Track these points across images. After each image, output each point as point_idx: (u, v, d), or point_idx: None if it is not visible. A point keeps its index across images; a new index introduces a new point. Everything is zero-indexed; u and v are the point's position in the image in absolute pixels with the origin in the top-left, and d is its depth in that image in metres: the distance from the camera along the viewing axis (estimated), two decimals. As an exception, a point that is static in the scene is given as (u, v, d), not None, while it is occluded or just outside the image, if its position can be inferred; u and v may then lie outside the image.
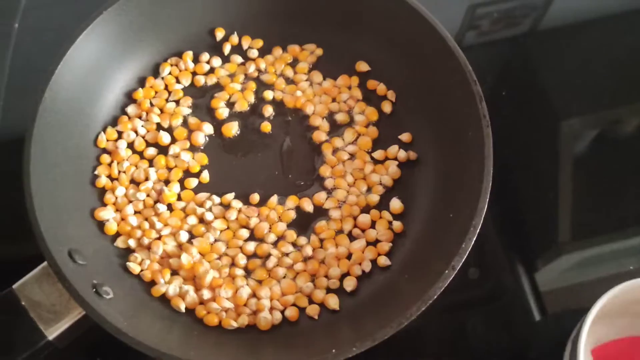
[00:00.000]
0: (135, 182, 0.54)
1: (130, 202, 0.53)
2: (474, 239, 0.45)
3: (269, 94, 0.58)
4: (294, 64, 0.59)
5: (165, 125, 0.56)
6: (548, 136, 0.62)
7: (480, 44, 0.68)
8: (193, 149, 0.56)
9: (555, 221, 0.58)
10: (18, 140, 0.60)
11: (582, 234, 0.58)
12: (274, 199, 0.53)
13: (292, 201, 0.53)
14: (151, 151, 0.55)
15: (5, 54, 0.66)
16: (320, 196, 0.54)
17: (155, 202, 0.53)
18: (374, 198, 0.54)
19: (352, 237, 0.52)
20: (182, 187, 0.54)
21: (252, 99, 0.58)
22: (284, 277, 0.51)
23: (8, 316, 0.44)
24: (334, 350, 0.42)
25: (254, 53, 0.59)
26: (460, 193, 0.49)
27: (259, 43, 0.60)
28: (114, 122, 0.56)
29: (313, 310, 0.49)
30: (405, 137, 0.56)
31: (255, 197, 0.53)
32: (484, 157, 0.48)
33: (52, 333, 0.44)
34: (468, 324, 0.55)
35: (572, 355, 0.45)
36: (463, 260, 0.45)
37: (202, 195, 0.53)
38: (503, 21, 0.68)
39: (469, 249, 0.45)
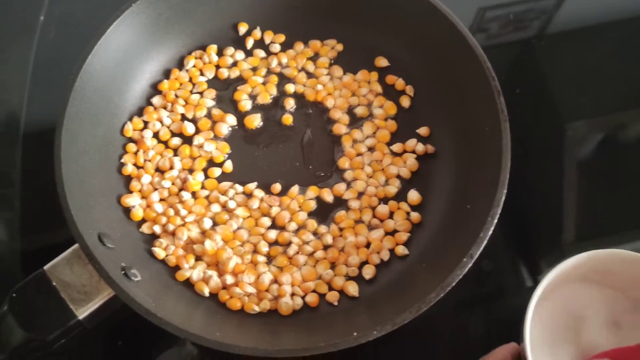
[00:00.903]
0: (160, 171, 0.55)
1: (156, 189, 0.54)
2: (492, 228, 0.47)
3: (290, 87, 0.59)
4: (314, 58, 0.61)
5: (190, 116, 0.58)
6: (554, 139, 0.63)
7: (488, 47, 0.68)
8: (216, 139, 0.57)
9: (560, 223, 0.59)
10: (44, 130, 0.63)
11: (586, 235, 0.59)
12: (295, 189, 0.55)
13: (312, 191, 0.55)
14: (176, 141, 0.57)
15: (30, 45, 0.67)
16: (340, 187, 0.55)
17: (180, 190, 0.54)
18: (392, 190, 0.55)
19: (370, 227, 0.54)
20: (206, 176, 0.55)
21: (274, 91, 0.59)
22: (305, 264, 0.52)
23: (40, 296, 0.45)
24: (355, 334, 0.44)
25: (276, 47, 0.61)
26: (478, 185, 0.50)
27: (281, 38, 0.61)
28: (140, 112, 0.57)
29: (333, 297, 0.51)
30: (423, 131, 0.57)
31: (277, 187, 0.55)
32: (502, 150, 0.49)
33: (82, 313, 0.45)
34: (470, 322, 0.56)
35: (522, 332, 0.46)
36: (481, 249, 0.46)
37: (225, 184, 0.55)
38: (512, 24, 0.70)
39: (487, 239, 0.46)
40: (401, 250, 0.52)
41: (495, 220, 0.47)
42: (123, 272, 0.47)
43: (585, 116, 0.64)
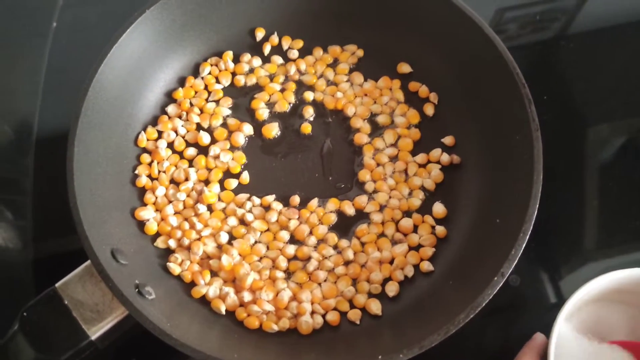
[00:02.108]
0: (175, 182, 0.54)
1: (170, 202, 0.52)
2: (524, 245, 0.44)
3: (309, 95, 0.57)
4: (334, 64, 0.59)
5: (205, 125, 0.56)
6: (575, 142, 0.61)
7: (507, 48, 0.67)
8: (233, 149, 0.55)
9: (582, 228, 0.57)
10: (55, 139, 0.61)
11: (608, 241, 0.57)
12: (315, 201, 0.53)
13: (332, 204, 0.53)
14: (191, 151, 0.55)
15: (43, 52, 0.66)
16: (362, 199, 0.53)
17: (195, 202, 0.52)
18: (416, 202, 0.53)
19: (394, 242, 0.51)
20: (222, 188, 0.54)
21: (292, 99, 0.57)
22: (325, 280, 0.50)
23: (51, 315, 0.44)
24: (380, 357, 0.41)
25: (294, 54, 0.59)
26: (508, 198, 0.48)
27: (299, 43, 0.59)
28: (154, 121, 0.56)
29: (355, 315, 0.48)
30: (448, 140, 0.55)
31: (296, 199, 0.53)
32: (534, 161, 0.47)
33: (95, 333, 0.43)
34: (488, 330, 0.54)
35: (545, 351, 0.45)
36: (512, 267, 0.44)
37: (242, 197, 0.53)
38: (531, 25, 0.67)
39: (519, 256, 0.44)
40: (426, 266, 0.50)
41: (527, 237, 0.44)
42: (137, 289, 0.45)
43: (607, 119, 0.62)
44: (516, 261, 0.44)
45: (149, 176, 0.53)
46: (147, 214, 0.51)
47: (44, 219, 0.57)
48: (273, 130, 0.56)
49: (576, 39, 0.67)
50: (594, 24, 0.68)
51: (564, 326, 0.46)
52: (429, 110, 0.56)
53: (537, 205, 0.45)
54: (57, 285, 0.44)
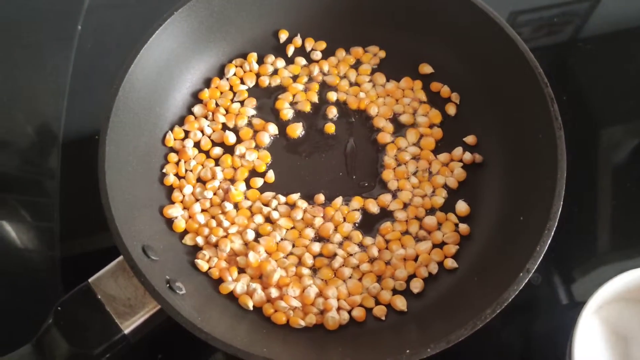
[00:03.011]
0: (201, 181, 0.55)
1: (197, 200, 0.53)
2: (549, 242, 0.45)
3: (332, 95, 0.58)
4: (356, 65, 0.59)
5: (231, 125, 0.57)
6: (588, 144, 0.61)
7: None
8: (258, 148, 0.56)
9: (595, 231, 0.57)
10: (81, 141, 0.62)
11: (621, 244, 0.57)
12: (339, 200, 0.53)
13: (357, 202, 0.53)
14: (217, 150, 0.56)
15: (68, 55, 0.67)
16: (385, 198, 0.53)
17: (222, 200, 0.53)
18: (439, 200, 0.53)
19: (417, 239, 0.52)
20: (248, 187, 0.54)
21: (315, 99, 0.58)
22: (350, 277, 0.51)
23: (85, 309, 0.44)
24: (407, 351, 0.42)
25: (317, 55, 0.60)
26: (531, 196, 0.49)
27: (322, 45, 0.60)
28: (180, 121, 0.57)
29: (380, 311, 0.49)
30: (470, 139, 0.55)
31: (320, 198, 0.54)
32: (557, 159, 0.47)
33: (128, 327, 0.44)
34: (508, 329, 0.54)
35: (570, 349, 0.45)
36: (538, 263, 0.44)
37: (268, 195, 0.54)
38: (545, 28, 0.68)
39: (544, 252, 0.44)
40: (450, 263, 0.50)
41: (552, 234, 0.45)
42: (168, 285, 0.46)
43: (620, 121, 0.63)
44: (541, 258, 0.44)
45: (177, 175, 0.54)
46: (175, 211, 0.52)
47: (70, 220, 0.58)
48: (297, 129, 0.57)
49: (589, 42, 0.67)
50: (606, 27, 0.68)
51: (587, 324, 0.47)
52: (451, 110, 0.57)
53: (562, 202, 0.46)
54: (90, 280, 0.45)
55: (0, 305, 0.55)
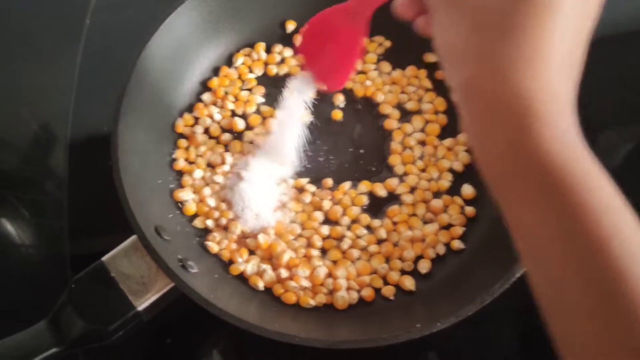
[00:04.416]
0: (211, 166, 0.55)
1: (207, 184, 0.54)
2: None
3: (339, 83, 0.59)
4: (362, 54, 0.61)
5: (240, 112, 0.58)
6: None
7: None
8: (267, 134, 0.57)
9: None
10: (89, 138, 0.63)
11: None
12: (347, 184, 0.54)
13: (364, 186, 0.54)
14: (226, 136, 0.57)
15: (76, 50, 0.68)
16: (392, 181, 0.54)
17: (232, 184, 0.54)
18: (445, 184, 0.54)
19: (425, 221, 0.53)
20: (258, 171, 0.55)
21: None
22: (359, 258, 0.51)
23: (99, 287, 0.45)
24: (418, 325, 0.43)
25: (323, 44, 0.61)
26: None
27: (329, 35, 0.61)
28: (190, 109, 0.58)
29: (389, 291, 0.50)
30: (474, 125, 0.56)
31: (329, 182, 0.54)
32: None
33: (141, 304, 0.45)
34: (509, 316, 0.54)
35: None
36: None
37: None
38: None
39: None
40: (457, 244, 0.51)
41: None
42: (180, 263, 0.47)
43: (616, 125, 0.63)
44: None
45: (187, 160, 0.55)
46: (185, 195, 0.53)
47: (80, 216, 0.58)
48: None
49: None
50: (601, 32, 0.68)
51: None
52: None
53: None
54: (103, 259, 0.46)
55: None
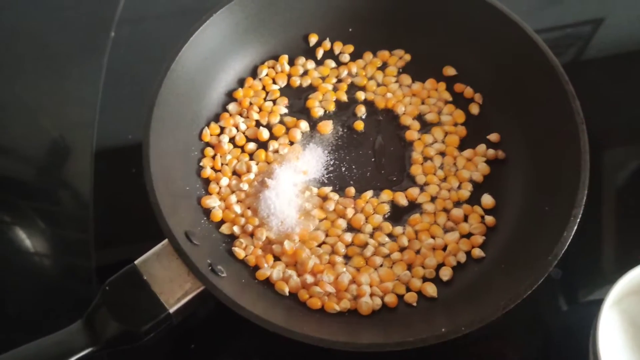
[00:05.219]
0: (237, 174, 0.57)
1: (233, 192, 0.56)
2: (575, 228, 0.47)
3: (361, 95, 0.61)
4: (383, 67, 0.62)
5: (264, 122, 0.59)
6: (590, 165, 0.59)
7: None
8: (291, 144, 0.58)
9: (599, 252, 0.58)
10: (114, 147, 0.64)
11: (627, 265, 0.57)
12: (369, 193, 0.56)
13: (386, 195, 0.56)
14: (251, 146, 0.58)
15: (100, 66, 0.69)
16: (414, 191, 0.56)
17: (258, 192, 0.55)
18: (465, 193, 0.56)
19: (445, 230, 0.54)
20: (282, 179, 0.57)
21: (344, 99, 0.61)
22: (381, 265, 0.53)
23: (132, 289, 0.46)
24: (443, 329, 0.44)
25: (345, 57, 0.63)
26: (555, 187, 0.51)
27: (350, 48, 0.63)
28: (216, 118, 0.59)
29: (411, 298, 0.51)
30: (493, 137, 0.58)
31: (351, 191, 0.56)
32: (580, 152, 0.50)
33: (173, 306, 0.46)
34: (528, 324, 0.55)
35: (593, 341, 0.47)
36: (564, 249, 0.46)
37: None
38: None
39: (570, 238, 0.47)
40: (477, 252, 0.53)
41: (578, 220, 0.47)
42: (210, 267, 0.48)
43: (622, 143, 0.64)
44: (567, 244, 0.47)
45: (213, 168, 0.57)
46: (212, 202, 0.55)
47: (106, 227, 0.59)
48: (328, 127, 0.59)
49: (591, 64, 0.69)
50: (608, 50, 0.70)
51: (607, 317, 0.48)
52: (474, 109, 0.60)
53: (586, 191, 0.48)
54: (136, 262, 0.47)
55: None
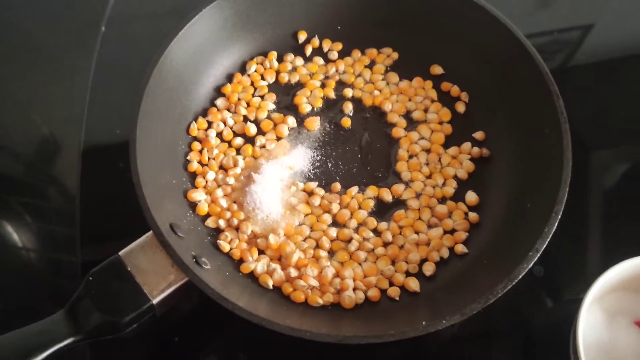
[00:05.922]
0: (223, 168, 0.57)
1: (220, 186, 0.56)
2: (556, 224, 0.47)
3: (348, 92, 0.61)
4: (371, 65, 0.63)
5: (252, 117, 0.60)
6: (578, 168, 0.57)
7: None
8: (277, 139, 0.59)
9: (585, 253, 0.59)
10: (102, 143, 0.64)
11: (609, 263, 0.56)
12: (354, 188, 0.56)
13: (371, 191, 0.56)
14: (239, 141, 0.59)
15: (89, 62, 0.69)
16: (399, 187, 0.56)
17: (244, 186, 0.56)
18: (450, 190, 0.56)
19: (430, 226, 0.55)
20: (268, 174, 0.57)
21: (332, 95, 0.61)
22: (365, 260, 0.53)
23: (115, 280, 0.46)
24: (424, 322, 0.44)
25: (334, 55, 0.63)
26: (538, 185, 0.52)
27: (339, 46, 0.64)
28: (204, 113, 0.60)
29: (394, 292, 0.51)
30: (478, 135, 0.58)
31: (337, 186, 0.56)
32: (563, 150, 0.50)
33: (156, 297, 0.46)
34: (511, 321, 0.56)
35: (573, 337, 0.47)
36: (546, 244, 0.47)
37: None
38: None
39: (551, 234, 0.47)
40: (460, 248, 0.53)
41: (559, 217, 0.48)
42: (194, 260, 0.48)
43: (609, 146, 0.65)
44: (548, 239, 0.47)
45: (200, 162, 0.57)
46: (198, 195, 0.55)
47: (106, 199, 0.60)
48: (315, 123, 0.59)
49: (579, 69, 0.70)
50: (596, 56, 0.70)
51: (589, 312, 0.49)
52: (460, 108, 0.60)
53: (567, 189, 0.49)
54: (120, 253, 0.47)
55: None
